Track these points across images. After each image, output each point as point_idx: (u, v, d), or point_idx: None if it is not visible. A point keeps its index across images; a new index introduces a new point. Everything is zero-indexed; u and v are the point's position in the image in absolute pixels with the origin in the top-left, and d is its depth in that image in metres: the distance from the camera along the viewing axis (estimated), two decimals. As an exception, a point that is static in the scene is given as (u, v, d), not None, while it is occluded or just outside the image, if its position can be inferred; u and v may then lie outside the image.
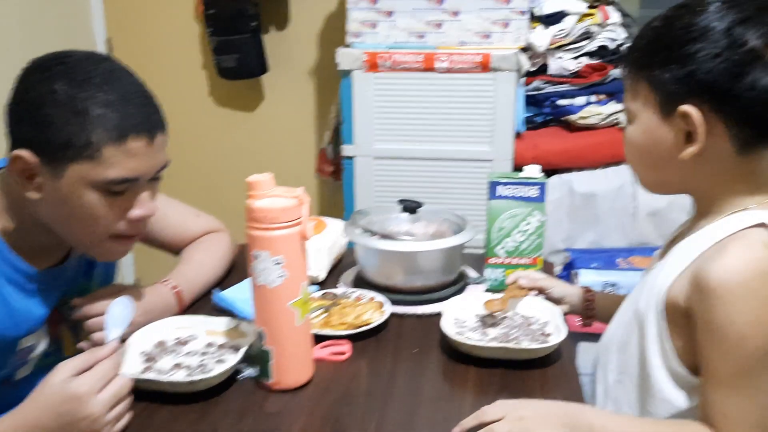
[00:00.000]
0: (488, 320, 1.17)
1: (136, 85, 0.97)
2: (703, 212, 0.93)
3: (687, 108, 0.84)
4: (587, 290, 1.24)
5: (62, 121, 0.90)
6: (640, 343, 0.93)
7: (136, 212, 0.98)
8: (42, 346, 1.06)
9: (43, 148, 0.91)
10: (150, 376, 0.99)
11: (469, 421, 0.89)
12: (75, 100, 0.90)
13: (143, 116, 0.94)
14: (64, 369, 0.86)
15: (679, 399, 0.89)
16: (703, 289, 0.83)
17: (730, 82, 0.82)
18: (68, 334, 1.12)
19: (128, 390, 0.89)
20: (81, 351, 0.92)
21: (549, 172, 2.11)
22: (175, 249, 1.36)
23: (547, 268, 1.43)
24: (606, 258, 2.02)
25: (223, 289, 1.29)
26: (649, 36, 0.89)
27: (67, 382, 0.84)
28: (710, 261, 0.83)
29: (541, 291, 1.23)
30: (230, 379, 1.02)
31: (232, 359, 1.02)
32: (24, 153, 0.91)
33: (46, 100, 0.90)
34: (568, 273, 2.05)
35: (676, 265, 0.89)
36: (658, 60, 0.86)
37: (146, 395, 0.96)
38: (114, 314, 0.98)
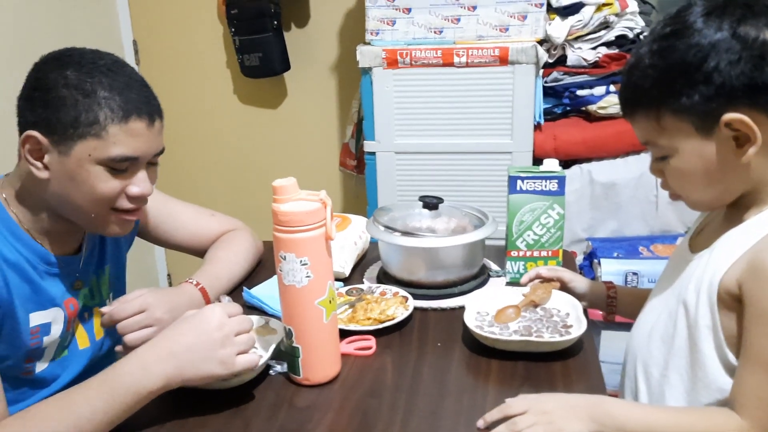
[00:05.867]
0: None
1: (136, 75, 1.07)
2: (747, 204, 0.95)
3: (731, 116, 0.87)
4: (610, 285, 1.26)
5: (72, 102, 0.99)
6: (690, 334, 0.95)
7: (134, 189, 1.06)
8: (56, 330, 1.10)
9: (53, 128, 1.00)
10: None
11: (493, 414, 0.92)
12: (84, 83, 1.00)
13: (144, 101, 1.04)
14: (219, 308, 1.00)
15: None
16: (759, 272, 0.86)
17: (761, 75, 0.85)
18: (82, 329, 1.18)
19: (252, 344, 1.01)
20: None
21: (569, 162, 2.12)
22: (194, 249, 1.41)
23: (568, 258, 1.44)
24: (628, 247, 2.03)
25: (252, 286, 1.33)
26: (652, 74, 0.91)
27: (224, 317, 0.98)
28: None
29: (562, 283, 1.25)
30: (261, 374, 1.06)
31: (263, 356, 1.06)
32: (35, 132, 1.01)
33: (58, 83, 1.00)
34: (589, 262, 2.06)
35: (728, 254, 0.91)
36: (678, 89, 0.88)
37: (180, 390, 0.99)
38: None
